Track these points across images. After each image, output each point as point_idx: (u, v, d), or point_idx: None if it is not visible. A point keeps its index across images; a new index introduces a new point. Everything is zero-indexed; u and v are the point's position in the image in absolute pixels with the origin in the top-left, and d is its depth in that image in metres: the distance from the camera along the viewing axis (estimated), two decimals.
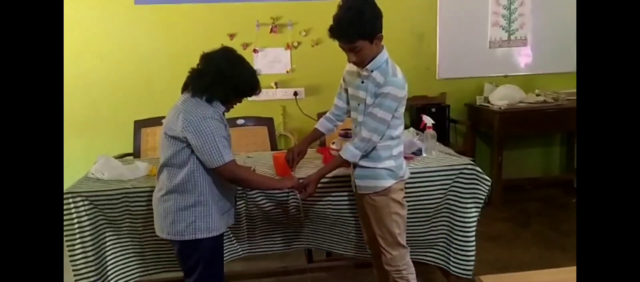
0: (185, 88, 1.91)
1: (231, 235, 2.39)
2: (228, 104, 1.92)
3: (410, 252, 2.33)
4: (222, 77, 1.83)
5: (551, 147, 4.53)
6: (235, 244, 2.44)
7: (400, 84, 1.92)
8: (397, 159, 2.03)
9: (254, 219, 2.36)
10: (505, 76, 4.26)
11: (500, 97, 4.00)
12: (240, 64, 1.89)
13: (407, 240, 2.23)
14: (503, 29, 4.25)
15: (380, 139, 1.95)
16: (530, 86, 4.19)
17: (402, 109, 1.99)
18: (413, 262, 2.20)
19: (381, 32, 1.90)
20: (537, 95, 4.11)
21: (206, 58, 1.88)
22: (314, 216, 2.35)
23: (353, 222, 2.35)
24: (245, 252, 2.47)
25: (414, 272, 2.13)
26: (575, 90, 4.13)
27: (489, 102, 4.06)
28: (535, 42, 4.29)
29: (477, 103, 4.16)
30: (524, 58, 4.32)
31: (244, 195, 2.22)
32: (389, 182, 2.00)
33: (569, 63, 4.32)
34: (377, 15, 1.87)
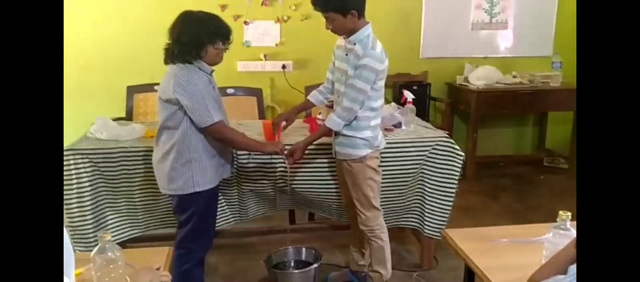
0: (166, 63, 2.03)
1: (223, 202, 2.54)
2: (210, 58, 2.01)
3: (389, 218, 2.54)
4: (188, 35, 1.94)
5: (524, 127, 4.77)
6: (227, 212, 2.60)
7: (378, 57, 2.07)
8: (374, 130, 2.20)
9: (243, 188, 2.53)
10: (485, 58, 4.44)
11: (479, 78, 4.17)
12: (198, 20, 1.99)
13: (385, 207, 2.41)
14: (485, 11, 4.41)
15: (360, 108, 2.11)
16: (508, 68, 4.37)
17: (381, 83, 2.15)
18: (390, 228, 2.40)
19: (357, 9, 2.01)
20: (514, 77, 4.29)
21: (170, 30, 1.99)
22: (299, 185, 2.50)
23: (334, 188, 2.53)
24: (235, 219, 2.64)
25: (387, 232, 2.34)
26: (549, 73, 4.34)
27: (468, 81, 4.23)
28: (515, 26, 4.46)
29: (457, 82, 4.34)
30: (504, 41, 4.49)
31: (235, 161, 2.37)
32: (364, 151, 2.18)
33: (546, 47, 4.53)
34: None
